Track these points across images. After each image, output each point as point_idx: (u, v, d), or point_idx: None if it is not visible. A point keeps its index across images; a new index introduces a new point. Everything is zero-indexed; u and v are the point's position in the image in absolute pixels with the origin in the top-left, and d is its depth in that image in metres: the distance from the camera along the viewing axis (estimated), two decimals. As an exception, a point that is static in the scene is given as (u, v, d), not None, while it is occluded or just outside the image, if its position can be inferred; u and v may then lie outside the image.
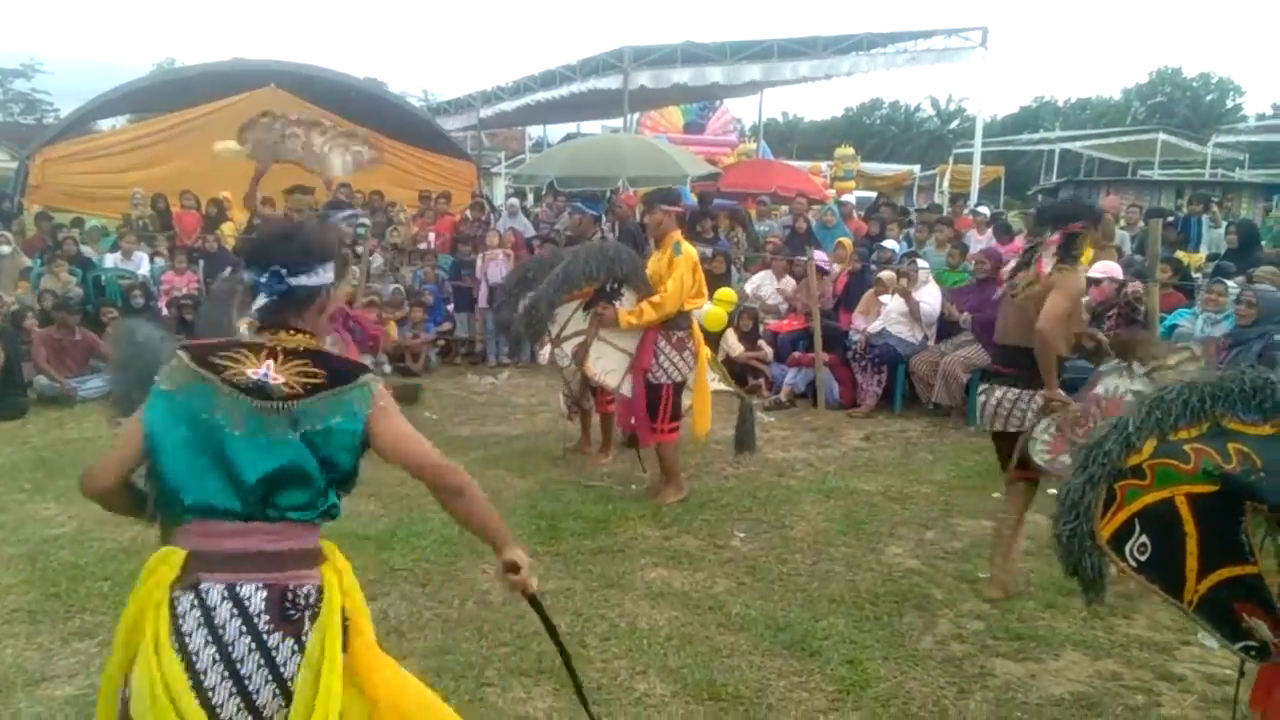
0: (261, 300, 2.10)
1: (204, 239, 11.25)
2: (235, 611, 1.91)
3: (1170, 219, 10.76)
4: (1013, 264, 4.52)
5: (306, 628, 1.96)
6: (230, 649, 1.90)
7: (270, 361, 2.04)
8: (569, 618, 3.99)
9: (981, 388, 4.59)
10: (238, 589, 1.93)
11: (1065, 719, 3.33)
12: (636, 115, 21.56)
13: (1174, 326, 7.03)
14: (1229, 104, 49.09)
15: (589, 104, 18.58)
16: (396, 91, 22.20)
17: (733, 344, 8.67)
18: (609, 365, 5.52)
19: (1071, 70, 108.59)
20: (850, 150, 26.13)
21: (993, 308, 7.84)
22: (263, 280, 2.09)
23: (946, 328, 8.14)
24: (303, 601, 1.98)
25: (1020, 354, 4.22)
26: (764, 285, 9.73)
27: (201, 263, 10.99)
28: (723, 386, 6.13)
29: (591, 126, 25.80)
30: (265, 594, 1.94)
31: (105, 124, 17.43)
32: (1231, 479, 2.37)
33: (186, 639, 1.89)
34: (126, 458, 2.09)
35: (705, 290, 5.78)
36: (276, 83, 13.35)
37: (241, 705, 1.89)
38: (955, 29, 16.89)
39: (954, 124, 50.75)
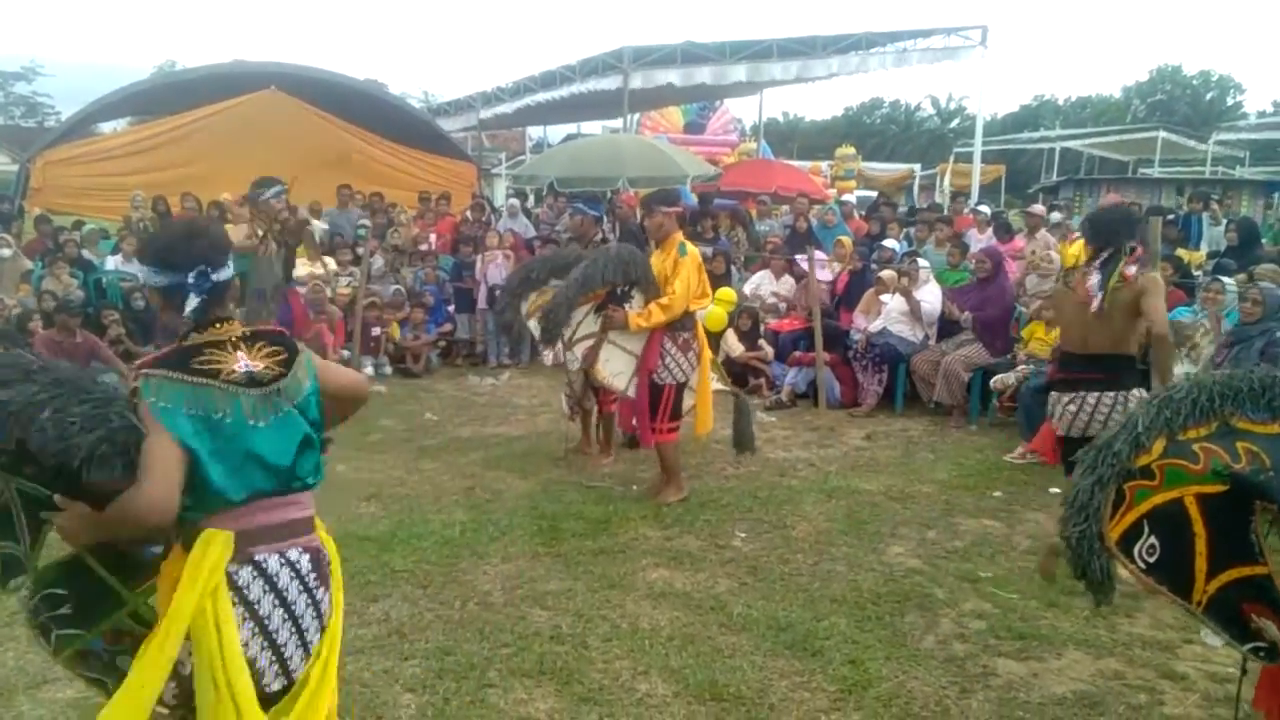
0: (193, 301, 2.19)
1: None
2: (291, 575, 2.18)
3: (1170, 217, 10.76)
4: (1095, 278, 4.55)
5: (325, 584, 2.28)
6: (293, 607, 2.17)
7: (241, 353, 2.19)
8: (570, 618, 3.99)
9: (1068, 397, 4.62)
10: (287, 554, 2.19)
11: (1068, 718, 3.33)
12: (636, 116, 21.56)
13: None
14: (1229, 101, 49.11)
15: (589, 104, 18.57)
16: (397, 93, 22.25)
17: (732, 344, 8.67)
18: (617, 367, 5.52)
19: (1071, 68, 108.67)
20: (851, 150, 26.16)
21: (993, 306, 7.88)
22: (191, 281, 2.19)
23: (947, 327, 8.13)
24: (325, 559, 2.30)
25: (1111, 360, 4.46)
26: (763, 285, 9.73)
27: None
28: (720, 386, 6.13)
29: (592, 127, 25.80)
30: (308, 556, 2.23)
31: (106, 126, 17.43)
32: (1241, 478, 2.35)
33: (256, 606, 2.11)
34: (179, 480, 2.05)
35: (709, 290, 5.78)
36: (277, 84, 13.35)
37: (303, 656, 2.20)
38: (955, 28, 16.87)
39: (954, 123, 50.79)
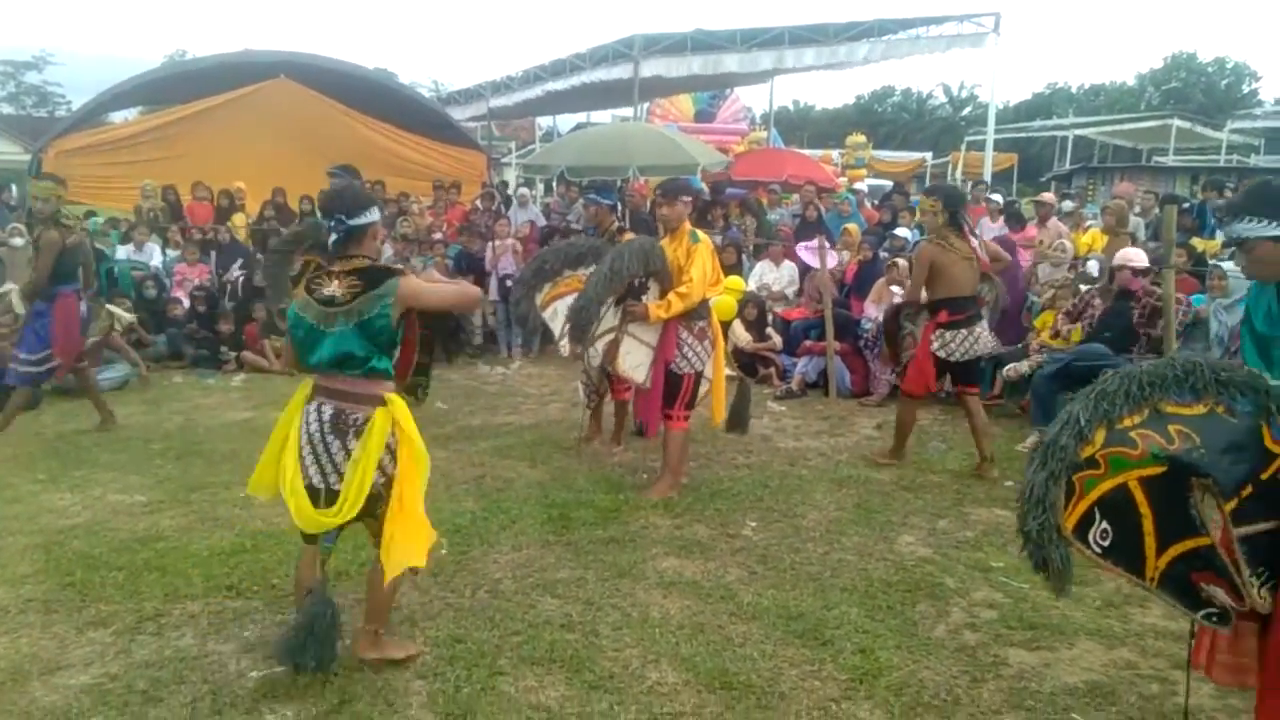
0: (333, 238, 3.33)
1: (215, 230, 11.30)
2: (318, 418, 3.31)
3: (1185, 205, 10.67)
4: (974, 239, 5.77)
5: (350, 437, 3.27)
6: (315, 435, 3.30)
7: (335, 283, 3.29)
8: (580, 607, 3.99)
9: (964, 331, 5.80)
10: (322, 406, 3.32)
11: (1079, 708, 3.31)
12: (646, 104, 21.49)
13: (1195, 315, 6.99)
14: (1245, 89, 48.71)
15: (599, 93, 18.51)
16: (407, 82, 22.25)
17: (739, 334, 8.65)
18: (636, 360, 5.50)
19: (1085, 56, 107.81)
20: (862, 138, 25.99)
21: (1006, 296, 7.82)
22: (331, 225, 3.31)
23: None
24: (350, 422, 3.28)
25: (976, 298, 5.87)
26: (766, 274, 9.70)
27: (214, 253, 11.04)
28: (730, 372, 6.13)
29: (602, 116, 25.74)
30: (331, 411, 3.30)
31: (117, 116, 17.47)
32: (1176, 459, 2.53)
33: (308, 426, 3.32)
34: (292, 348, 3.41)
35: (722, 277, 5.77)
36: (287, 73, 13.36)
37: (316, 472, 3.29)
38: (968, 15, 16.74)
39: (966, 111, 50.54)
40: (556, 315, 6.18)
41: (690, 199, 5.46)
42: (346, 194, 3.43)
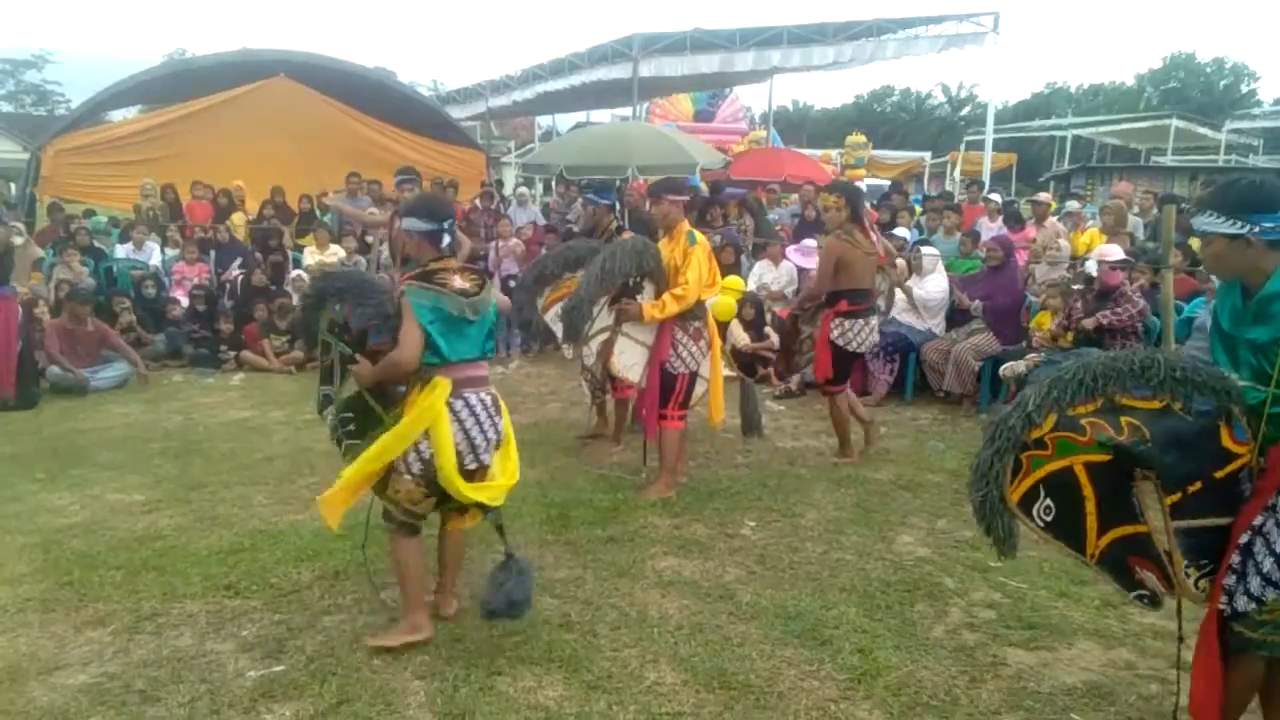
0: (445, 240, 3.68)
1: (215, 229, 11.29)
2: (483, 405, 3.62)
3: (1184, 205, 10.66)
4: (875, 234, 6.03)
5: (498, 415, 3.70)
6: (481, 423, 3.60)
7: (458, 277, 3.59)
8: (579, 606, 3.99)
9: (862, 320, 6.00)
10: (481, 395, 3.63)
11: (1078, 708, 3.31)
12: (646, 103, 21.49)
13: (1191, 320, 6.97)
14: (1243, 89, 48.71)
15: (598, 92, 18.52)
16: (406, 81, 22.17)
17: (737, 334, 8.64)
18: (630, 360, 5.50)
19: (1084, 56, 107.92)
20: (861, 138, 26.04)
21: (1004, 295, 7.84)
22: (445, 227, 3.69)
23: (957, 315, 8.10)
24: (495, 402, 3.70)
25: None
26: (765, 274, 9.70)
27: (213, 253, 11.04)
28: (728, 373, 6.13)
29: (601, 115, 25.74)
30: (489, 398, 3.67)
31: (116, 115, 17.45)
32: (1123, 449, 2.64)
33: (465, 421, 3.56)
34: (421, 346, 3.49)
35: (719, 278, 5.76)
36: (286, 72, 13.34)
37: (485, 448, 3.64)
38: (966, 14, 16.76)
39: (965, 111, 50.53)
40: (558, 319, 6.19)
41: (678, 198, 5.43)
42: (448, 201, 4.32)
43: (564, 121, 28.56)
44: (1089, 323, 6.88)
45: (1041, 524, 2.75)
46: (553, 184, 15.79)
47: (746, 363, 8.38)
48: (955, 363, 7.65)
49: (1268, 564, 2.58)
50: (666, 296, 5.25)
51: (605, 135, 15.38)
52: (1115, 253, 7.17)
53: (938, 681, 3.45)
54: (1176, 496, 2.65)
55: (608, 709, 3.24)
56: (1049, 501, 2.75)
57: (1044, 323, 7.50)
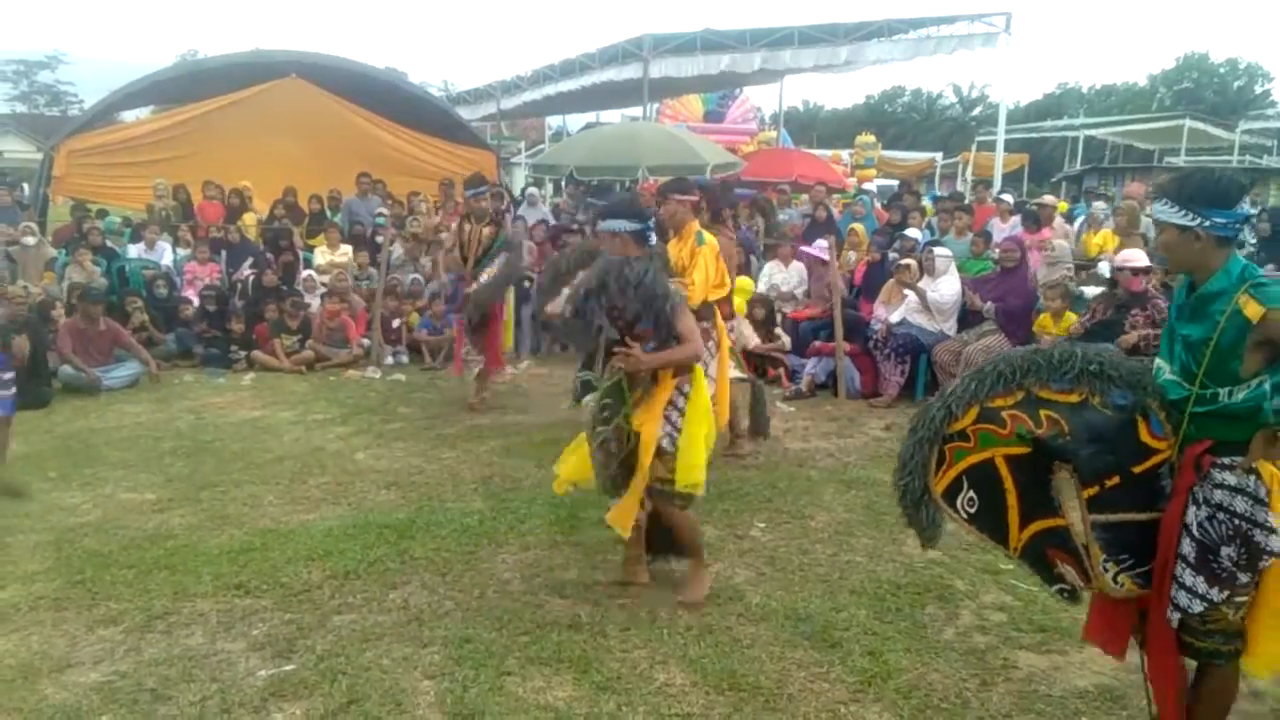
0: (653, 239, 4.06)
1: (226, 229, 11.33)
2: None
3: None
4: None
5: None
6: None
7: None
8: (589, 607, 3.99)
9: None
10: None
11: (1089, 711, 3.30)
12: (656, 104, 21.46)
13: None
14: (1257, 90, 48.40)
15: (608, 93, 18.51)
16: (417, 82, 22.20)
17: (747, 335, 8.61)
18: None
19: (1096, 56, 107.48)
20: (871, 138, 25.96)
21: (1016, 296, 7.81)
22: (649, 227, 4.03)
23: (969, 317, 8.07)
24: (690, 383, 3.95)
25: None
26: (775, 275, 9.68)
27: (224, 253, 11.08)
28: (738, 374, 6.11)
29: (611, 115, 25.73)
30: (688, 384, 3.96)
31: (129, 115, 17.54)
32: (1041, 442, 2.72)
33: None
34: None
35: (727, 280, 5.75)
36: (297, 73, 13.38)
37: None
38: (978, 14, 16.68)
39: (977, 111, 50.36)
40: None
41: (685, 198, 5.40)
42: (641, 205, 4.52)
43: (574, 122, 28.57)
44: (1129, 339, 6.58)
45: (965, 515, 2.83)
46: (563, 184, 15.80)
47: (756, 363, 8.36)
48: (967, 364, 7.62)
49: (1193, 557, 2.62)
50: None
51: (615, 136, 15.37)
52: (1140, 258, 7.01)
53: (948, 684, 3.44)
54: (1094, 490, 2.70)
55: (617, 710, 3.23)
56: (972, 494, 2.81)
57: (1047, 325, 7.45)
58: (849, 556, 4.62)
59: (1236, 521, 2.58)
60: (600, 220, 4.20)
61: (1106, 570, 2.73)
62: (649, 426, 3.82)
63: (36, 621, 3.88)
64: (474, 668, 3.48)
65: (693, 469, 3.85)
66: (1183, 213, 2.61)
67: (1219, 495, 2.61)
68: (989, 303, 7.86)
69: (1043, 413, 2.72)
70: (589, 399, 4.05)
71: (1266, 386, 2.49)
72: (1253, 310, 2.48)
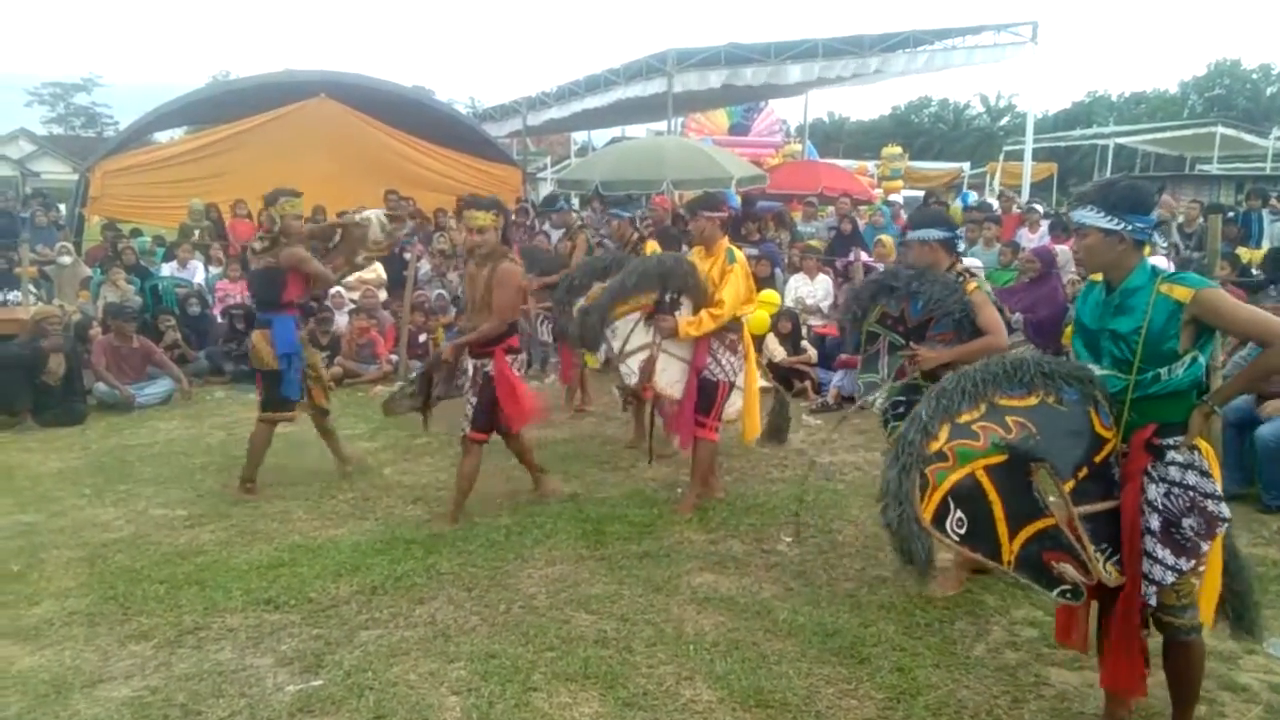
0: (961, 246, 4.05)
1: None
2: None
3: (1230, 214, 10.47)
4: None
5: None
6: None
7: None
8: (615, 622, 3.98)
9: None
10: None
11: (1124, 730, 3.23)
12: (681, 118, 21.51)
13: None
14: (1291, 95, 47.67)
15: (633, 107, 18.59)
16: (444, 99, 22.45)
17: (774, 349, 8.60)
18: (673, 376, 5.48)
19: (1126, 63, 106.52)
20: (898, 149, 25.85)
21: (1045, 307, 7.73)
22: (959, 235, 4.16)
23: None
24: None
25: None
26: (800, 288, 9.65)
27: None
28: (764, 383, 6.10)
29: (636, 130, 25.83)
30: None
31: (163, 136, 17.86)
32: (1015, 447, 2.81)
33: None
34: None
35: (755, 295, 5.74)
36: (327, 93, 13.58)
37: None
38: (1005, 24, 16.60)
39: (1004, 120, 50.01)
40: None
41: (715, 215, 5.40)
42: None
43: (600, 137, 28.70)
44: None
45: (957, 537, 2.81)
46: (586, 197, 15.87)
47: (782, 376, 8.33)
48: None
49: (1159, 530, 2.82)
50: (704, 314, 5.24)
51: (640, 150, 15.42)
52: (1161, 266, 7.01)
53: (979, 701, 3.39)
54: (1071, 484, 2.84)
55: (643, 726, 3.22)
56: (959, 513, 2.81)
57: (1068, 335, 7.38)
58: (877, 571, 4.58)
59: (1190, 494, 2.82)
60: (911, 229, 4.34)
61: (1099, 560, 2.85)
62: None
63: (69, 637, 3.93)
64: (500, 683, 3.48)
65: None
66: (1109, 218, 2.88)
67: (1172, 472, 2.84)
68: (1017, 314, 7.78)
69: (1009, 419, 2.83)
70: (875, 397, 4.25)
71: (1202, 359, 2.81)
72: (1181, 293, 2.79)
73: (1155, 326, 2.81)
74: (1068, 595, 2.86)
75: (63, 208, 15.51)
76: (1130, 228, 2.86)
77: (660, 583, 4.39)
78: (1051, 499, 2.86)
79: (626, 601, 4.19)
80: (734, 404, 5.59)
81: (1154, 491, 2.85)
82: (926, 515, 2.78)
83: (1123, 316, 2.89)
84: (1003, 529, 2.81)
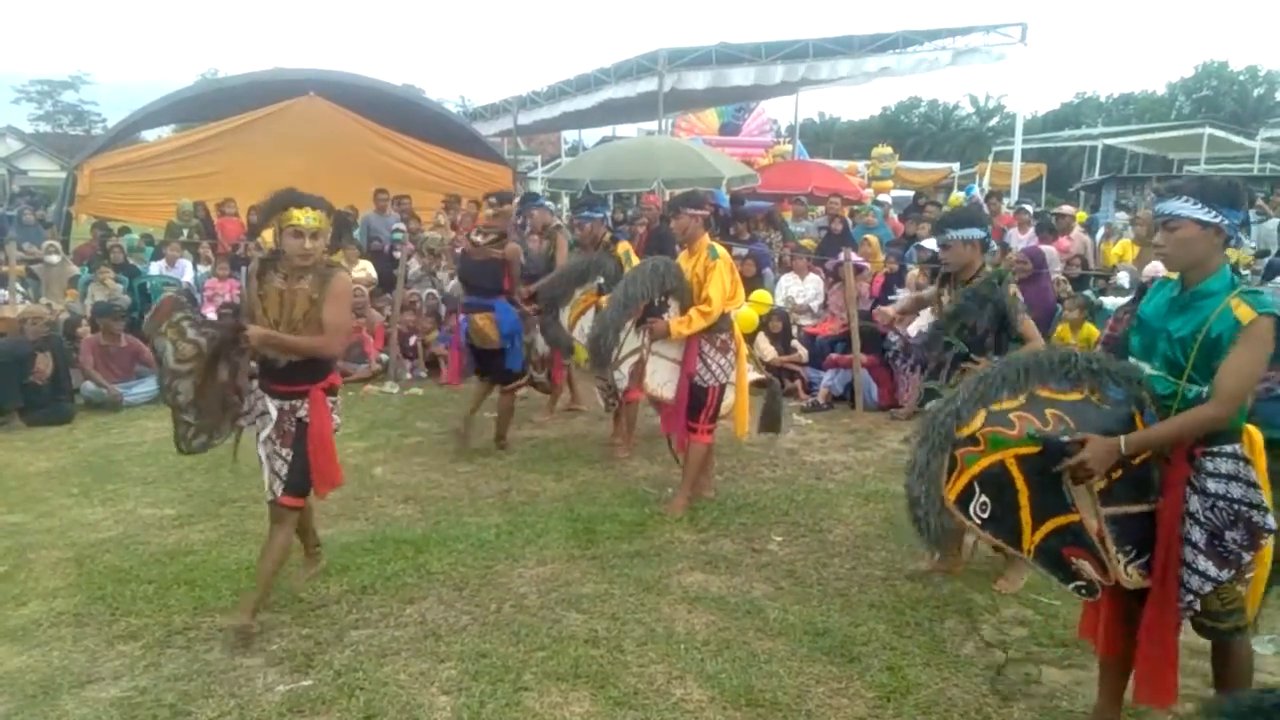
0: (993, 247, 4.24)
1: (246, 245, 11.41)
2: None
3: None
4: None
5: None
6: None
7: None
8: (606, 622, 3.98)
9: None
10: None
11: (1113, 728, 3.25)
12: (672, 118, 21.52)
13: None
14: (1277, 97, 47.95)
15: (624, 107, 18.59)
16: (434, 98, 22.37)
17: (764, 348, 8.61)
18: (663, 378, 5.50)
19: (1114, 65, 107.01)
20: (888, 149, 25.93)
21: (1035, 307, 7.74)
22: (989, 234, 4.45)
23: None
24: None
25: None
26: (791, 287, 9.66)
27: (244, 269, 11.16)
28: (756, 375, 6.12)
29: (627, 129, 25.82)
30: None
31: (151, 134, 17.76)
32: (1050, 440, 2.78)
33: None
34: None
35: (742, 291, 5.74)
36: (316, 91, 13.51)
37: None
38: (994, 25, 16.65)
39: (993, 121, 50.15)
40: (584, 332, 6.41)
41: (697, 212, 5.41)
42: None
43: (590, 136, 28.68)
44: None
45: (979, 521, 2.83)
46: (577, 196, 15.85)
47: (773, 376, 8.34)
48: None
49: (1202, 542, 2.75)
50: (693, 312, 5.25)
51: (631, 149, 15.43)
52: (1164, 269, 7.05)
53: (969, 700, 3.40)
54: (1104, 483, 2.80)
55: (634, 726, 3.22)
56: (985, 498, 2.83)
57: (1065, 336, 7.40)
58: (868, 570, 4.59)
59: (1235, 506, 2.74)
60: (949, 229, 4.42)
61: (1118, 561, 2.82)
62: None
63: (57, 637, 3.91)
64: (490, 683, 3.47)
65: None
66: (1206, 210, 2.75)
67: (1213, 484, 2.76)
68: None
69: (1048, 411, 2.81)
70: (933, 405, 4.38)
71: None
72: (1244, 313, 2.67)
73: (1211, 336, 2.71)
74: (1083, 591, 2.86)
75: (51, 206, 15.42)
76: (1227, 222, 2.77)
77: (651, 582, 4.39)
78: (1080, 498, 2.83)
79: (617, 601, 4.19)
80: (726, 400, 5.60)
81: (1196, 503, 2.78)
82: (951, 496, 2.82)
83: (1185, 317, 2.81)
84: (1026, 519, 2.81)
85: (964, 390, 2.83)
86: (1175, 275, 2.94)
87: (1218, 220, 2.76)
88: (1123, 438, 2.75)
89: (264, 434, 3.91)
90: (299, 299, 3.81)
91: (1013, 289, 4.28)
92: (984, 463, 2.80)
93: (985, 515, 2.83)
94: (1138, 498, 2.85)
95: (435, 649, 3.75)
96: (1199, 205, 2.77)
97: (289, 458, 3.89)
